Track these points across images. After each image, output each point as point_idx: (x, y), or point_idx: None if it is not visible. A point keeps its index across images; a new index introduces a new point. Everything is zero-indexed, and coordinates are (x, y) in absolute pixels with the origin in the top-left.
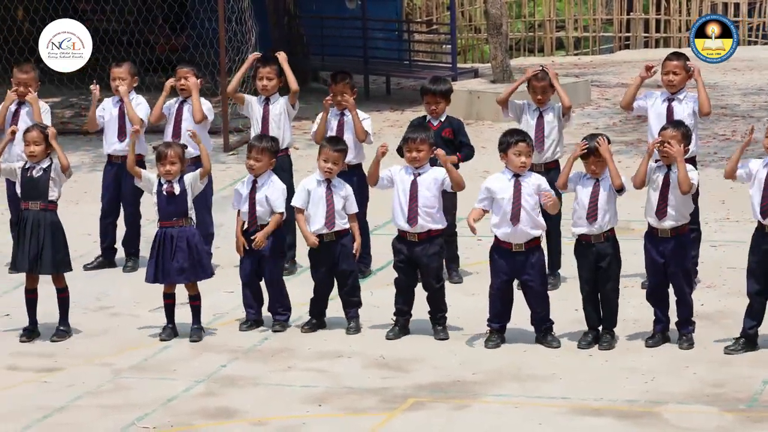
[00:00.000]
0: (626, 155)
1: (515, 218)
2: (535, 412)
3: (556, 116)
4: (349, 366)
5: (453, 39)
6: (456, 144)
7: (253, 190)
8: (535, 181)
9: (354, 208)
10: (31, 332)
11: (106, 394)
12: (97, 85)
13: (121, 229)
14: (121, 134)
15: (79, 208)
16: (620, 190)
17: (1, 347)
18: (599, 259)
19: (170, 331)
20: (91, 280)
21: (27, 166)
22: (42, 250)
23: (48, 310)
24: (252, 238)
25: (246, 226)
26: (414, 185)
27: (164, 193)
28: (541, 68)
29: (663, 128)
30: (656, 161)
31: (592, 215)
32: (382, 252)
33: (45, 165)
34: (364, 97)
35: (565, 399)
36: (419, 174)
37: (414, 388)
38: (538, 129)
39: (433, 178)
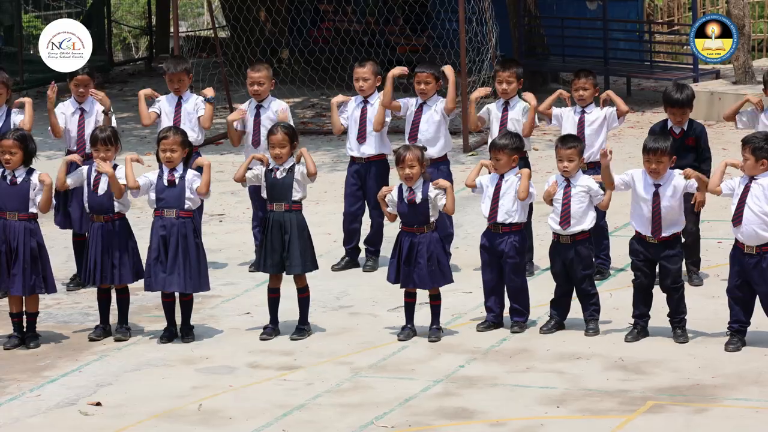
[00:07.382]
0: None
1: (737, 220)
2: None
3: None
4: (588, 368)
5: None
6: (699, 152)
7: None
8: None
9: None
10: (272, 330)
11: (345, 392)
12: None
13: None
14: (361, 137)
15: (319, 207)
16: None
17: (243, 345)
18: None
19: (409, 331)
20: (331, 279)
21: (271, 167)
22: (289, 251)
23: (288, 309)
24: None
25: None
26: (656, 197)
27: (405, 201)
28: None
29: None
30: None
31: None
32: (622, 253)
33: (288, 166)
34: None
35: None
36: (659, 185)
37: (653, 391)
38: None
39: (674, 187)
